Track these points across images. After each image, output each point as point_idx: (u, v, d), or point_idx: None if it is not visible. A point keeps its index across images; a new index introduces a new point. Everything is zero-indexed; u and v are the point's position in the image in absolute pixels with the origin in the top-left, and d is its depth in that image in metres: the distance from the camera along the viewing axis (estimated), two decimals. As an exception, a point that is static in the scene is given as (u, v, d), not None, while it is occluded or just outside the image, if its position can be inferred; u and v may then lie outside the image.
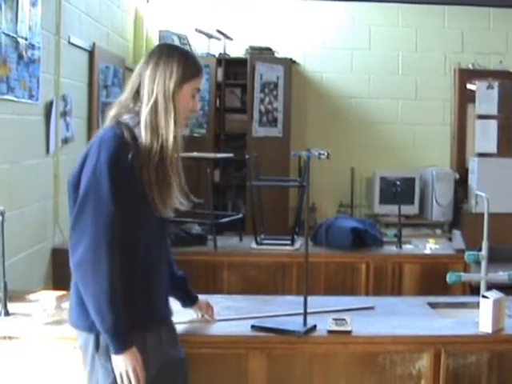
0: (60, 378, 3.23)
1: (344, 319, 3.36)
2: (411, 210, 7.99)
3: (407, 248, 5.57)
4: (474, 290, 5.24)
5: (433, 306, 3.82)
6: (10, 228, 3.66)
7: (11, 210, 4.15)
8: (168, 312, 2.99)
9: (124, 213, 2.67)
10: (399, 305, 3.83)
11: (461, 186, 8.22)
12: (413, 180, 8.07)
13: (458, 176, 8.21)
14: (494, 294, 3.37)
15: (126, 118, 2.82)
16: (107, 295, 2.60)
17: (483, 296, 3.39)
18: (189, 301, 3.36)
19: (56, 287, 4.70)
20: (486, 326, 3.33)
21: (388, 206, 7.78)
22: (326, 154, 3.27)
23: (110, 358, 2.69)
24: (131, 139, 2.73)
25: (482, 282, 3.63)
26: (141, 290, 2.79)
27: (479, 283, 3.68)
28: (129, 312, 2.67)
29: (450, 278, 3.61)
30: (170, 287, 3.06)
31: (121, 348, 2.65)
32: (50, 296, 3.63)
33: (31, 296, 3.81)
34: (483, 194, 3.72)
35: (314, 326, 3.30)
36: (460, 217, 8.06)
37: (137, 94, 2.86)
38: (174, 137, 2.77)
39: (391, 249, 5.47)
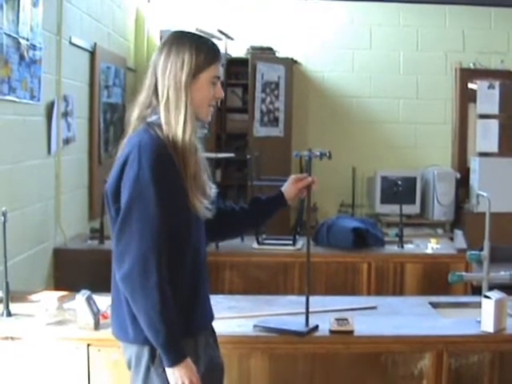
0: (62, 379, 3.23)
1: (346, 319, 3.36)
2: (412, 209, 7.99)
3: (409, 248, 5.57)
4: (476, 289, 5.23)
5: (434, 305, 3.82)
6: (11, 228, 3.66)
7: (13, 211, 4.14)
8: (212, 314, 2.89)
9: (171, 219, 2.59)
10: (401, 305, 3.83)
11: (462, 185, 8.22)
12: (414, 179, 8.06)
13: (459, 175, 8.20)
14: (495, 294, 3.37)
15: (154, 118, 2.69)
16: (158, 308, 2.50)
17: (485, 296, 3.38)
18: (277, 199, 3.08)
19: (57, 287, 4.71)
20: (487, 325, 3.33)
21: (389, 205, 7.76)
22: (327, 153, 3.27)
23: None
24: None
25: (484, 281, 3.63)
26: (190, 294, 2.70)
27: (481, 283, 3.68)
28: (180, 318, 2.59)
29: (451, 277, 3.61)
30: (243, 218, 3.02)
31: (176, 361, 2.56)
32: (51, 296, 3.63)
33: (33, 296, 3.80)
34: (484, 194, 3.73)
35: (316, 326, 3.30)
36: (461, 216, 8.06)
37: (156, 90, 2.71)
38: (184, 132, 2.64)
39: (393, 248, 5.47)
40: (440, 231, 7.93)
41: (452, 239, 6.31)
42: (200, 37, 2.77)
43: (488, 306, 3.34)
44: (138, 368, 2.66)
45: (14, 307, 3.51)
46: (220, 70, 2.76)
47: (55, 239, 5.27)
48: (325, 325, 3.31)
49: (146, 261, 2.51)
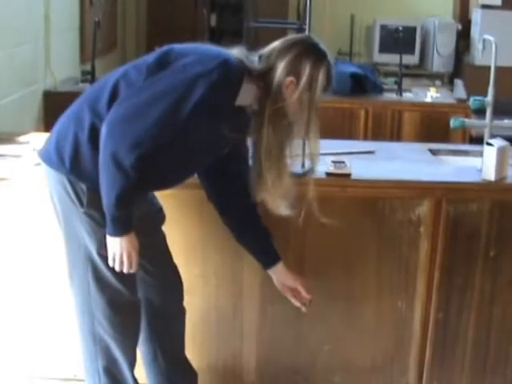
0: (48, 217, 3.15)
1: (343, 162, 3.26)
2: (411, 59, 7.82)
3: (407, 96, 5.51)
4: (475, 141, 5.15)
5: (434, 152, 3.72)
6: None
7: (-1, 51, 4.02)
8: None
9: (187, 132, 2.50)
10: (400, 150, 3.73)
11: (462, 37, 8.03)
12: (414, 29, 7.87)
13: (460, 27, 8.00)
14: (498, 142, 3.26)
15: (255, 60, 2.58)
16: (124, 184, 2.44)
17: (487, 143, 3.27)
18: (270, 258, 2.98)
19: (47, 130, 4.59)
20: (489, 174, 3.24)
21: (388, 54, 7.61)
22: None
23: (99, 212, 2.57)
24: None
25: (487, 129, 3.50)
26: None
27: (480, 134, 3.57)
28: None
29: (453, 123, 3.49)
30: (251, 239, 2.94)
31: (120, 232, 2.53)
32: (40, 137, 3.49)
33: (21, 138, 3.70)
34: (491, 38, 3.56)
35: (312, 168, 3.19)
36: (461, 69, 7.92)
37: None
38: None
39: (391, 96, 5.41)
40: (438, 83, 7.77)
41: (452, 91, 6.21)
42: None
43: (490, 153, 3.23)
44: (62, 199, 2.65)
45: (2, 148, 3.43)
46: None
47: (45, 82, 5.20)
48: (321, 167, 3.20)
49: (140, 141, 2.41)
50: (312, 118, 2.57)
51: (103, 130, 2.45)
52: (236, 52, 2.55)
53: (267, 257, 2.96)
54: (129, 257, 2.56)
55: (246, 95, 2.55)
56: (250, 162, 2.74)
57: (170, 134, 2.47)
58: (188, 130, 2.50)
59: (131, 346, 2.80)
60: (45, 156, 2.69)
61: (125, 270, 2.59)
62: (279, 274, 2.96)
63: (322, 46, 2.59)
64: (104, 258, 2.61)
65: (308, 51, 2.55)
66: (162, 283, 2.93)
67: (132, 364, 2.80)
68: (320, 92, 2.55)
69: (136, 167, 2.42)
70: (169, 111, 2.43)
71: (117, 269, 2.59)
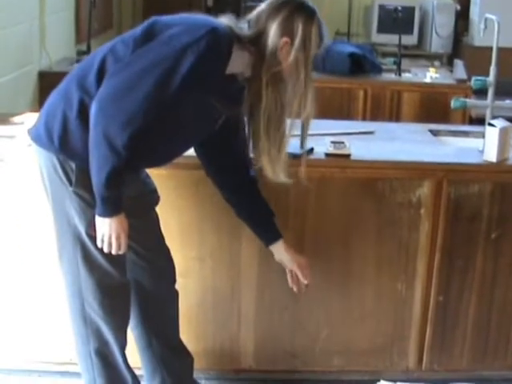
0: (43, 199, 3.10)
1: (343, 142, 3.20)
2: (410, 40, 7.75)
3: (406, 76, 5.47)
4: (475, 121, 5.11)
5: (434, 133, 3.67)
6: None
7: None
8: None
9: (176, 105, 2.44)
10: (400, 131, 3.68)
11: (461, 18, 7.96)
12: (412, 9, 7.80)
13: (459, 7, 7.93)
14: (500, 122, 3.21)
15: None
16: (115, 164, 2.39)
17: (489, 124, 3.22)
18: (270, 236, 2.95)
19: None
20: (490, 154, 3.19)
21: (386, 35, 7.56)
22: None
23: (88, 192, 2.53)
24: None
25: (488, 109, 3.45)
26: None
27: (480, 115, 3.51)
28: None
29: (454, 103, 3.43)
30: (251, 216, 2.90)
31: (109, 213, 2.49)
32: (35, 118, 3.44)
33: (16, 118, 3.63)
34: (493, 17, 3.52)
35: (312, 149, 3.14)
36: (460, 49, 7.87)
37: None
38: None
39: (390, 76, 5.37)
40: (437, 63, 7.71)
41: (451, 71, 6.15)
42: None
43: (492, 134, 3.19)
44: (51, 178, 2.62)
45: (-4, 129, 3.36)
46: None
47: (40, 62, 5.14)
48: (320, 148, 3.16)
49: (132, 118, 2.37)
50: (308, 76, 2.53)
51: (93, 108, 2.40)
52: (224, 20, 2.50)
53: (267, 234, 2.94)
54: (117, 238, 2.52)
55: (238, 63, 2.49)
56: (247, 131, 2.68)
57: (162, 107, 2.41)
58: (179, 103, 2.45)
59: (121, 329, 2.77)
60: (34, 135, 2.64)
61: (113, 252, 2.55)
62: (278, 253, 2.94)
63: (310, 2, 2.55)
64: (93, 238, 2.57)
65: (298, 9, 2.50)
66: (153, 267, 2.89)
67: (123, 346, 2.78)
68: (314, 50, 2.52)
69: (128, 146, 2.37)
70: (158, 84, 2.37)
71: (105, 250, 2.55)
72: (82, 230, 2.60)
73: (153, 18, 2.54)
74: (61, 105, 2.55)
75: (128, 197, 2.55)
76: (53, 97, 2.63)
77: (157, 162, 2.74)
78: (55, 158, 2.56)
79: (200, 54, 2.36)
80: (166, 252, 2.95)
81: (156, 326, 2.97)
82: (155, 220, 2.90)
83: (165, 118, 2.46)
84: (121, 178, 2.45)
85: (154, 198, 2.90)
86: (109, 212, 2.49)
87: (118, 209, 2.50)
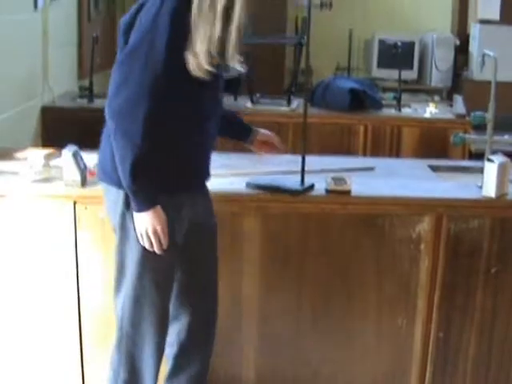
0: (48, 237, 3.12)
1: (343, 179, 3.22)
2: (410, 74, 7.79)
3: (406, 111, 5.47)
4: (474, 157, 5.14)
5: (434, 169, 3.70)
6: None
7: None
8: (209, 173, 2.88)
9: (176, 72, 2.52)
10: (400, 167, 3.71)
11: (461, 52, 8.01)
12: (412, 44, 7.84)
13: (458, 42, 7.99)
14: (499, 158, 3.23)
15: None
16: (136, 153, 2.47)
17: (488, 159, 3.24)
18: (245, 132, 3.21)
19: (45, 146, 4.58)
20: (489, 190, 3.21)
21: (386, 70, 7.57)
22: (328, 3, 3.09)
23: None
24: None
25: (487, 145, 3.48)
26: (188, 154, 2.70)
27: (479, 150, 3.54)
28: (163, 170, 2.58)
29: (454, 139, 3.47)
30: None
31: (143, 206, 2.55)
32: (38, 154, 3.46)
33: (19, 154, 3.64)
34: (491, 53, 3.55)
35: (312, 185, 3.17)
36: (459, 84, 7.89)
37: None
38: None
39: (390, 111, 5.37)
40: (437, 98, 7.76)
41: (451, 106, 6.19)
42: None
43: (490, 169, 3.20)
44: (115, 212, 2.67)
45: (-1, 164, 3.38)
46: None
47: (43, 97, 5.14)
48: (321, 184, 3.18)
49: (137, 104, 2.47)
50: None
51: (105, 112, 2.52)
52: None
53: (244, 131, 3.19)
54: (154, 233, 2.56)
55: None
56: None
57: (162, 81, 2.49)
58: (178, 70, 2.52)
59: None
60: (101, 176, 2.75)
61: (156, 249, 2.59)
62: (256, 136, 3.19)
63: None
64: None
65: None
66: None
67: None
68: None
69: (144, 133, 2.46)
70: (149, 57, 2.47)
71: (147, 247, 2.60)
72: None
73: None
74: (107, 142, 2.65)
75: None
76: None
77: (200, 151, 2.81)
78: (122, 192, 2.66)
79: (170, 14, 2.46)
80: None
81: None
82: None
83: (171, 94, 2.53)
84: (146, 169, 2.51)
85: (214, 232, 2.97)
86: (142, 205, 2.55)
87: (151, 201, 2.56)
